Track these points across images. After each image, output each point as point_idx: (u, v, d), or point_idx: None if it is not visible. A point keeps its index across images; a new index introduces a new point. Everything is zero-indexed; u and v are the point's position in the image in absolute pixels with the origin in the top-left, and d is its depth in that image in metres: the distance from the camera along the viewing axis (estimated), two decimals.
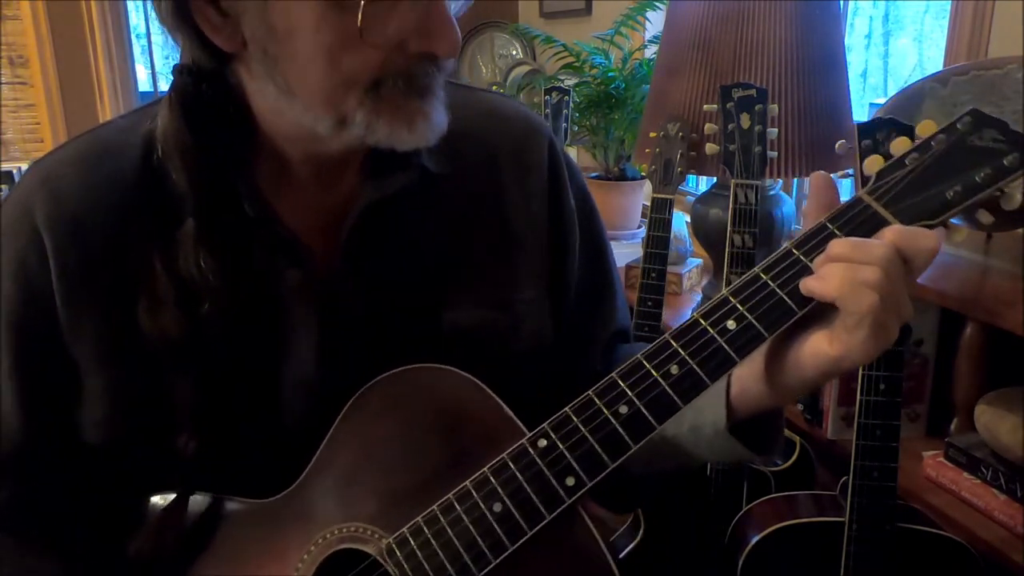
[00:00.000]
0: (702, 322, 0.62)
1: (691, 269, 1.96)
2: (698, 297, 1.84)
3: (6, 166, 3.07)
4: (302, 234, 0.71)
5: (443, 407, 0.69)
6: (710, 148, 1.36)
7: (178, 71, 0.67)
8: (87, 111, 3.33)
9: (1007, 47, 1.38)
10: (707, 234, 1.64)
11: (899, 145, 0.65)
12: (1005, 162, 0.61)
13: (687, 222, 1.87)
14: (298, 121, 0.65)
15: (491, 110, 0.80)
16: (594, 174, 2.32)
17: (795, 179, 2.01)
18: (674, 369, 0.62)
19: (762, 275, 0.62)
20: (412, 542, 0.65)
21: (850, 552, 1.05)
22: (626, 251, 2.11)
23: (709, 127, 1.37)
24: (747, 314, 0.61)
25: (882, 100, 1.44)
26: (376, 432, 0.69)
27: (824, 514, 1.13)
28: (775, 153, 1.34)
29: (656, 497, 1.42)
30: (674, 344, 0.62)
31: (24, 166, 3.10)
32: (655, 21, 2.27)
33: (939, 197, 0.61)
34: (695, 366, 0.61)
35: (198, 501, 0.71)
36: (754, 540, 1.13)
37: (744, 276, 0.63)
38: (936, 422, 1.31)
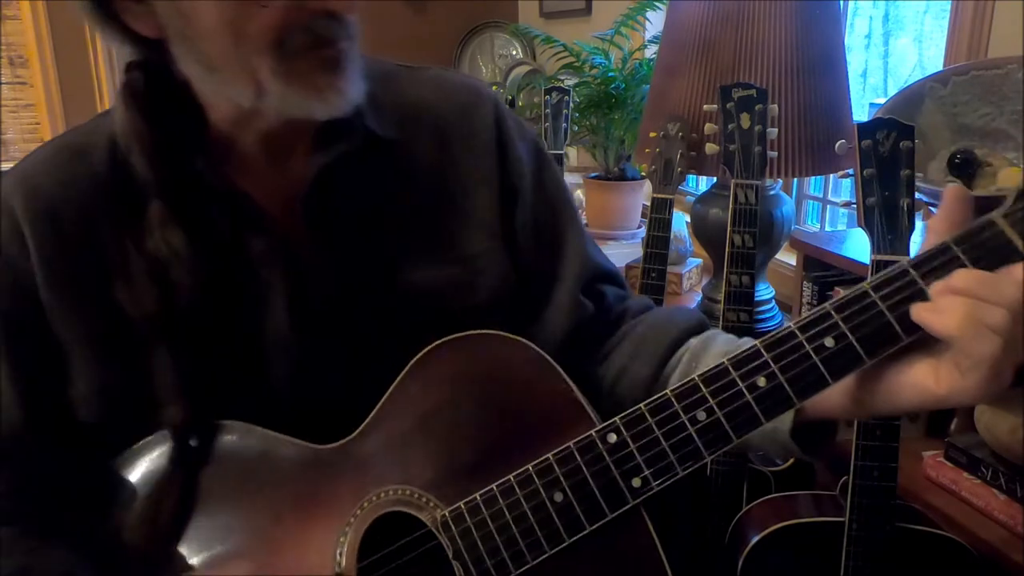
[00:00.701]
0: (799, 335, 0.58)
1: (691, 269, 1.96)
2: (698, 297, 1.84)
3: (6, 166, 3.07)
4: (264, 206, 0.74)
5: (510, 380, 0.68)
6: (710, 148, 1.36)
7: (127, 68, 0.72)
8: (87, 111, 3.32)
9: (1007, 47, 1.38)
10: (707, 234, 1.64)
11: None
12: None
13: (687, 222, 1.87)
14: (226, 96, 0.68)
15: (438, 81, 0.83)
16: (594, 174, 2.32)
17: (795, 179, 2.02)
18: (761, 382, 0.59)
19: (871, 292, 0.57)
20: (468, 519, 0.65)
21: (850, 552, 1.05)
22: (626, 251, 2.11)
23: (709, 127, 1.37)
24: (848, 334, 0.57)
25: (882, 100, 1.44)
26: (439, 397, 0.69)
27: (824, 514, 1.13)
28: (775, 153, 1.34)
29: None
30: (765, 355, 0.59)
31: None
32: (655, 21, 2.27)
33: None
34: (784, 382, 0.58)
35: (251, 434, 0.72)
36: (754, 540, 1.13)
37: (851, 291, 0.58)
38: (936, 422, 1.31)
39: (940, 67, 1.43)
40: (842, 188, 2.01)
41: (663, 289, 1.50)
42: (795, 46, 1.41)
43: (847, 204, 1.87)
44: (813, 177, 1.98)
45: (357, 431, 0.71)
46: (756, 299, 1.53)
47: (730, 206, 1.31)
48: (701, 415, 0.60)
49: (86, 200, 0.72)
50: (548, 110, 1.96)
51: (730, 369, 0.60)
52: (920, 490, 1.17)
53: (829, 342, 0.57)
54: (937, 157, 1.29)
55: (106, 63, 3.31)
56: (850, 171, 1.38)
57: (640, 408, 0.62)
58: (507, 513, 0.64)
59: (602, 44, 2.26)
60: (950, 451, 1.17)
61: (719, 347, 0.75)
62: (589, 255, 0.86)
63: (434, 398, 0.69)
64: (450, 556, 0.65)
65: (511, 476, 0.64)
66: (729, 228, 1.31)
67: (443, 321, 0.72)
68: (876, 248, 1.01)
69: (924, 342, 0.56)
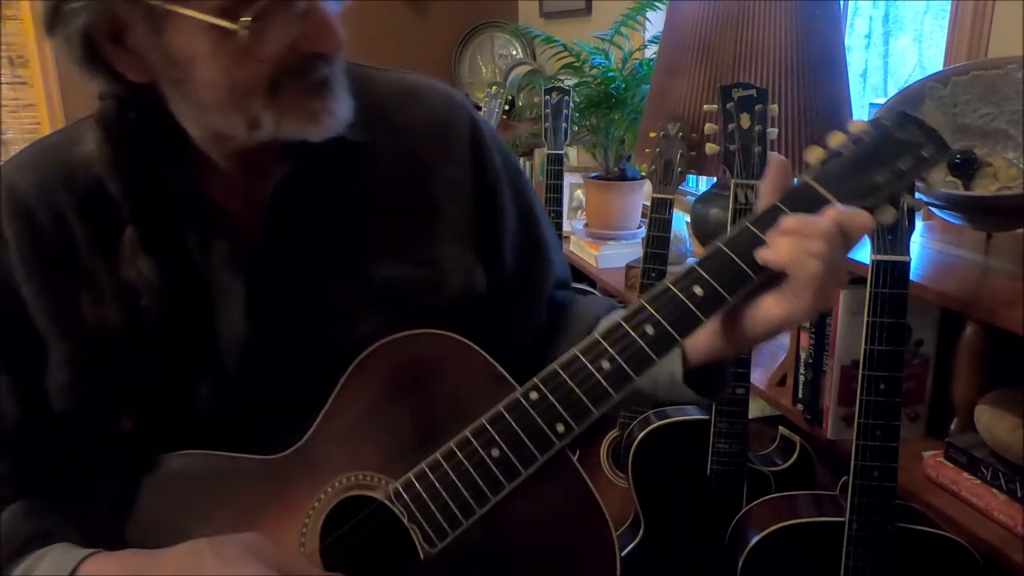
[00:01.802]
0: (673, 288, 0.70)
1: None
2: None
3: None
4: (231, 209, 0.77)
5: (439, 368, 0.75)
6: (710, 148, 1.36)
7: (100, 96, 0.74)
8: (87, 111, 3.32)
9: (1007, 47, 1.38)
10: (707, 234, 1.64)
11: (836, 139, 0.75)
12: (924, 153, 0.72)
13: (687, 222, 1.87)
14: (216, 128, 0.71)
15: (410, 86, 0.86)
16: (594, 174, 2.32)
17: (795, 179, 2.01)
18: (649, 329, 0.70)
19: (724, 247, 0.70)
20: (417, 485, 0.71)
21: (850, 552, 1.05)
22: (626, 251, 2.11)
23: (709, 127, 1.37)
24: (712, 281, 0.69)
25: (882, 100, 1.44)
26: (377, 393, 0.75)
27: (824, 514, 1.13)
28: (775, 153, 1.34)
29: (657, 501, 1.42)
30: (648, 307, 0.70)
31: None
32: (655, 21, 2.27)
33: (870, 181, 0.71)
34: (668, 326, 0.69)
35: (203, 458, 0.76)
36: (754, 540, 1.13)
37: (708, 248, 0.71)
38: (936, 422, 1.31)
39: (940, 67, 1.43)
40: None
41: None
42: (795, 46, 1.41)
43: None
44: None
45: (305, 436, 0.75)
46: None
47: (730, 206, 1.31)
48: (605, 363, 0.70)
49: (60, 206, 0.74)
50: (548, 110, 1.96)
51: (622, 324, 0.70)
52: (920, 490, 1.17)
53: (698, 290, 0.70)
54: None
55: None
56: None
57: (553, 366, 0.71)
58: (451, 473, 0.71)
59: (602, 44, 2.26)
60: (950, 451, 1.17)
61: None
62: (556, 266, 0.93)
63: (374, 394, 0.75)
64: (405, 521, 0.71)
65: (451, 442, 0.71)
66: (729, 228, 1.31)
67: (406, 320, 0.76)
68: (876, 248, 1.01)
69: (769, 281, 0.70)
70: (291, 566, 0.68)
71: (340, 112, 0.71)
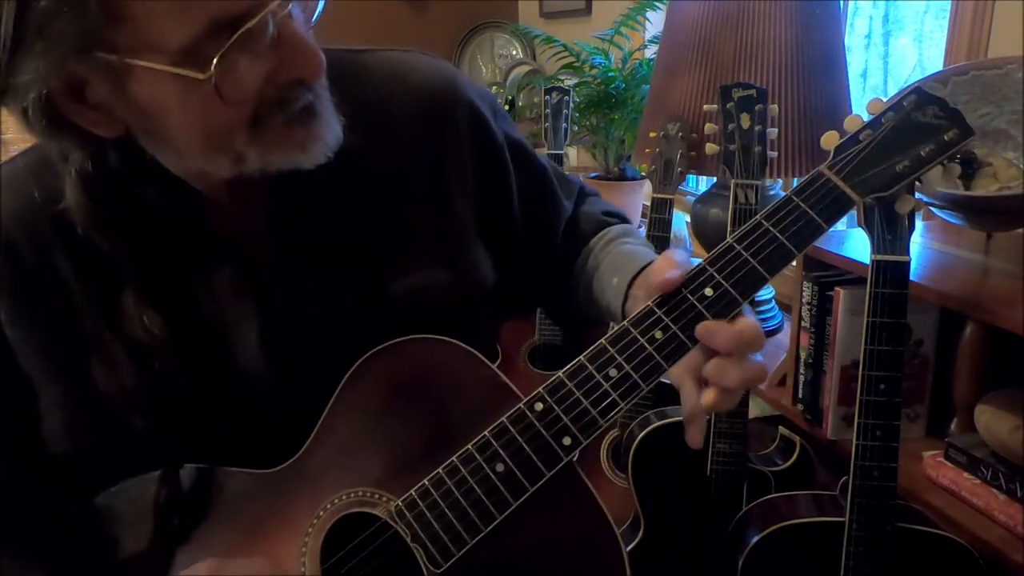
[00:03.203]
0: (683, 290, 0.67)
1: None
2: None
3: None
4: (231, 233, 0.73)
5: (439, 377, 0.72)
6: (710, 148, 1.36)
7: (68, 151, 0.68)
8: None
9: (1007, 47, 1.38)
10: (707, 234, 1.64)
11: (852, 122, 0.71)
12: (946, 137, 0.68)
13: (687, 222, 1.87)
14: (199, 168, 0.67)
15: (399, 68, 0.79)
16: (594, 174, 2.32)
17: (795, 179, 2.01)
18: (658, 334, 0.67)
19: (736, 245, 0.68)
20: (420, 503, 0.69)
21: (850, 552, 1.05)
22: None
23: (709, 127, 1.37)
24: (723, 282, 0.67)
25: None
26: (376, 403, 0.72)
27: (824, 514, 1.13)
28: (775, 153, 1.34)
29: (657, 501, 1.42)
30: (657, 311, 0.67)
31: None
32: (655, 21, 2.27)
33: (890, 170, 0.68)
34: (677, 331, 0.67)
35: (202, 472, 0.73)
36: (754, 540, 1.13)
37: (718, 247, 0.68)
38: (936, 422, 1.31)
39: (940, 67, 1.43)
40: None
41: None
42: (795, 46, 1.41)
43: None
44: None
45: (302, 449, 0.72)
46: (756, 299, 1.53)
47: (730, 206, 1.31)
48: (613, 372, 0.67)
49: (45, 243, 0.69)
50: (548, 110, 1.96)
51: (630, 328, 0.68)
52: (920, 490, 1.17)
53: (708, 292, 0.67)
54: None
55: None
56: None
57: (559, 376, 0.68)
58: (455, 491, 0.68)
59: (602, 44, 2.26)
60: (950, 451, 1.17)
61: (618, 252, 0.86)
62: (564, 210, 0.91)
63: (372, 404, 0.72)
64: (408, 541, 0.69)
65: (454, 458, 0.68)
66: (729, 228, 1.31)
67: (432, 326, 0.72)
68: (876, 248, 1.01)
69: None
70: None
71: (329, 136, 0.66)
